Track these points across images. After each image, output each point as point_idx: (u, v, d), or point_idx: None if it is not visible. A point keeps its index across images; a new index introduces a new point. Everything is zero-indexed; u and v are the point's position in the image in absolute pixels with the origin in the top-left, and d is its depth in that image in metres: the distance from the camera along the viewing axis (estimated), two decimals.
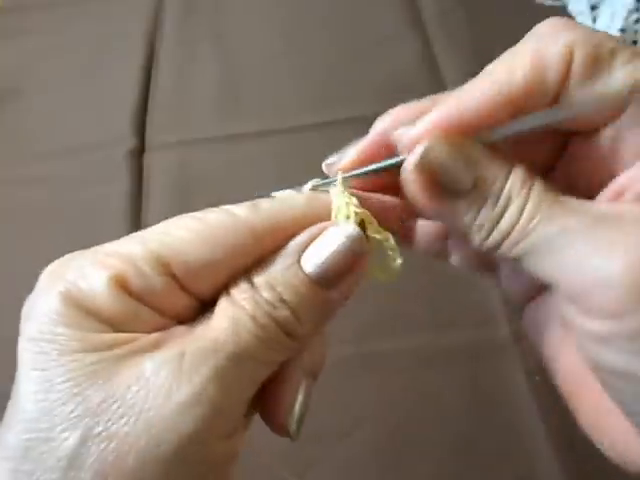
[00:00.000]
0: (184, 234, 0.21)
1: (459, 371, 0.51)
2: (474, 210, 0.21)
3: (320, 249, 0.21)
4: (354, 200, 0.23)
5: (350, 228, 0.22)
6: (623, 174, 0.21)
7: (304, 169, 0.72)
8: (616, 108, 0.21)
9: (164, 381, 0.19)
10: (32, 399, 0.18)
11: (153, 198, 0.65)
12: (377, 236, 0.23)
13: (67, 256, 0.22)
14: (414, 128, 0.22)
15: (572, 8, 0.73)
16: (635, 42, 0.67)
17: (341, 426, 0.49)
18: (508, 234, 0.21)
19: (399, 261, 0.24)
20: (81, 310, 0.19)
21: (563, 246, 0.20)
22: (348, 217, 0.23)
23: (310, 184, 0.25)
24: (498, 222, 0.21)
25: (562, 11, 0.73)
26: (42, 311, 0.20)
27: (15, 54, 0.81)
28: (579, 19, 0.72)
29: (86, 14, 0.85)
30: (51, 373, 0.19)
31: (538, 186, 0.21)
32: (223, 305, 0.21)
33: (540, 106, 0.21)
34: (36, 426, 0.18)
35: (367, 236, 0.23)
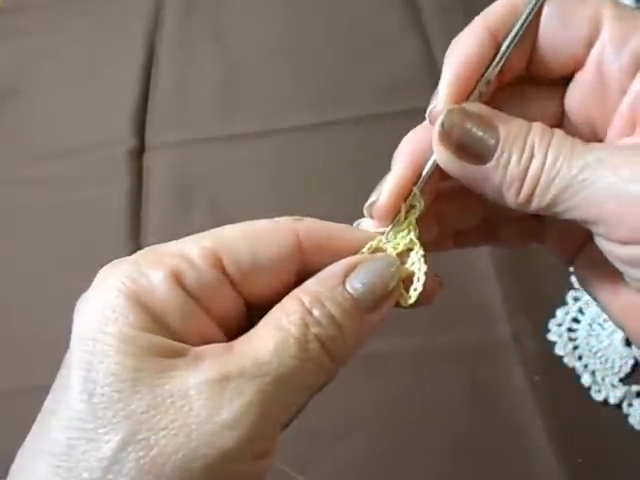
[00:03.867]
0: (233, 234, 0.22)
1: (459, 371, 0.51)
2: (502, 168, 0.22)
3: (366, 273, 0.23)
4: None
5: (393, 259, 0.24)
6: (622, 104, 0.22)
7: (304, 169, 0.72)
8: None
9: (207, 402, 0.19)
10: (77, 399, 0.19)
11: (153, 198, 0.65)
12: (414, 268, 0.25)
13: (123, 258, 0.22)
14: (435, 101, 0.24)
15: None
16: None
17: (340, 426, 0.49)
18: (536, 185, 0.22)
19: (419, 290, 0.25)
20: (138, 305, 0.20)
21: (587, 181, 0.20)
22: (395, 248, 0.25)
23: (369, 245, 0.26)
24: (526, 175, 0.22)
25: None
26: (95, 307, 0.20)
27: (15, 54, 0.81)
28: None
29: (86, 14, 0.85)
30: (95, 375, 0.19)
31: (557, 135, 0.22)
32: (265, 326, 0.21)
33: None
34: (80, 425, 0.19)
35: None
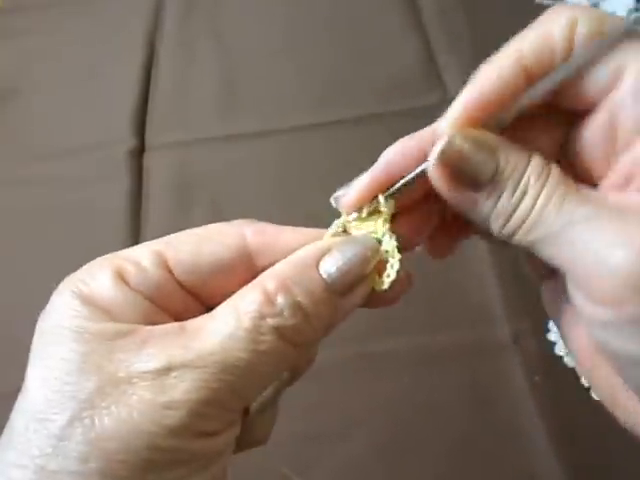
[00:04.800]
0: (183, 236, 0.24)
1: (459, 371, 0.51)
2: (493, 200, 0.22)
3: (339, 256, 0.22)
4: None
5: (369, 240, 0.24)
6: (625, 156, 0.22)
7: (304, 169, 0.72)
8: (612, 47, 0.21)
9: (149, 388, 0.20)
10: (34, 386, 0.20)
11: (153, 198, 0.65)
12: (391, 258, 0.24)
13: (85, 266, 0.23)
14: (443, 121, 0.23)
15: None
16: None
17: (340, 426, 0.49)
18: (522, 224, 0.22)
19: (392, 277, 0.24)
20: (89, 304, 0.21)
21: (570, 237, 0.21)
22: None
23: (335, 225, 0.26)
24: (514, 212, 0.22)
25: None
26: (54, 309, 0.22)
27: (15, 54, 0.81)
28: None
29: (86, 14, 0.85)
30: (50, 362, 0.20)
31: (553, 176, 0.22)
32: (221, 313, 0.21)
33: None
34: (33, 408, 0.20)
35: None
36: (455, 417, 0.49)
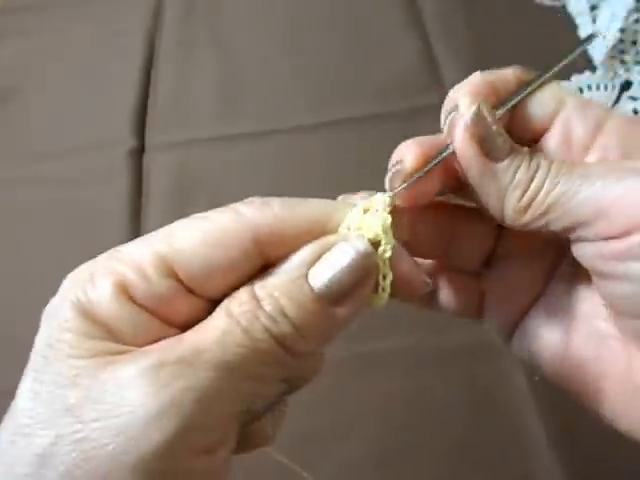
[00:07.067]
0: (188, 235, 0.21)
1: (459, 371, 0.51)
2: (512, 171, 0.24)
3: (328, 264, 0.21)
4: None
5: (361, 245, 0.22)
6: (591, 156, 0.25)
7: (304, 169, 0.72)
8: None
9: (139, 389, 0.18)
10: (24, 397, 0.19)
11: (153, 198, 0.65)
12: (383, 273, 0.23)
13: (90, 262, 0.22)
14: (461, 100, 0.25)
15: (572, 8, 0.73)
16: (635, 42, 0.67)
17: (339, 426, 0.49)
18: (538, 192, 0.24)
19: (384, 301, 0.24)
20: (87, 318, 0.20)
21: (586, 185, 0.23)
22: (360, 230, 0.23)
23: (360, 196, 0.25)
24: (532, 182, 0.24)
25: (561, 11, 0.73)
26: (55, 317, 0.21)
27: (15, 54, 0.81)
28: (579, 19, 0.72)
29: (86, 14, 0.85)
30: (43, 376, 0.19)
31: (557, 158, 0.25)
32: (216, 315, 0.21)
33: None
34: (21, 422, 0.19)
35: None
36: (455, 417, 0.49)
